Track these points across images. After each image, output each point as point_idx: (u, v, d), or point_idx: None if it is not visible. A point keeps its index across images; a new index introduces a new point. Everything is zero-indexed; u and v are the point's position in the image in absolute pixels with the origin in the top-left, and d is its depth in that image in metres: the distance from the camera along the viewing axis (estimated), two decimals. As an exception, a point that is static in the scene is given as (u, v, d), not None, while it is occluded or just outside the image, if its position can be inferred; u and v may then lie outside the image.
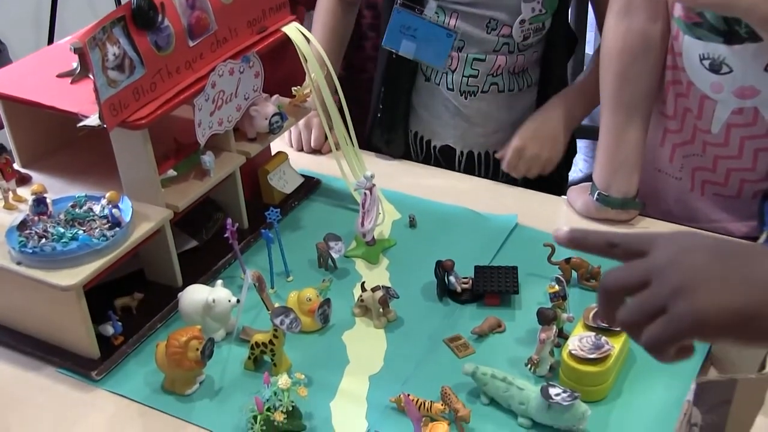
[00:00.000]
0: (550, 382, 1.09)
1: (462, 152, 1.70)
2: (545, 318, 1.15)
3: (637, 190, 1.45)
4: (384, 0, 1.65)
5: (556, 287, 1.21)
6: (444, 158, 1.71)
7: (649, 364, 1.18)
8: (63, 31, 3.07)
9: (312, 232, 1.46)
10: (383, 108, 1.68)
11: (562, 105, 1.62)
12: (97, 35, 1.13)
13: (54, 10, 3.06)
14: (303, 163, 1.63)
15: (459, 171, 1.70)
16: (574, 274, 1.32)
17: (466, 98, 1.64)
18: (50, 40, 3.09)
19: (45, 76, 1.31)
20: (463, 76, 1.61)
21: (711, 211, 1.48)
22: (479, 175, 1.69)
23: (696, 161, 1.46)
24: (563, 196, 1.56)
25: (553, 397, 1.06)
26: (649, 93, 1.42)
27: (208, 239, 1.42)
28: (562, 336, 1.20)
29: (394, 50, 1.58)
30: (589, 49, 3.19)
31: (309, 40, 1.43)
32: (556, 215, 1.51)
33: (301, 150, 1.70)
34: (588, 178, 1.56)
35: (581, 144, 3.53)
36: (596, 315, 1.17)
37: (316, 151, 1.70)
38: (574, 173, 3.40)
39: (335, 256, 1.37)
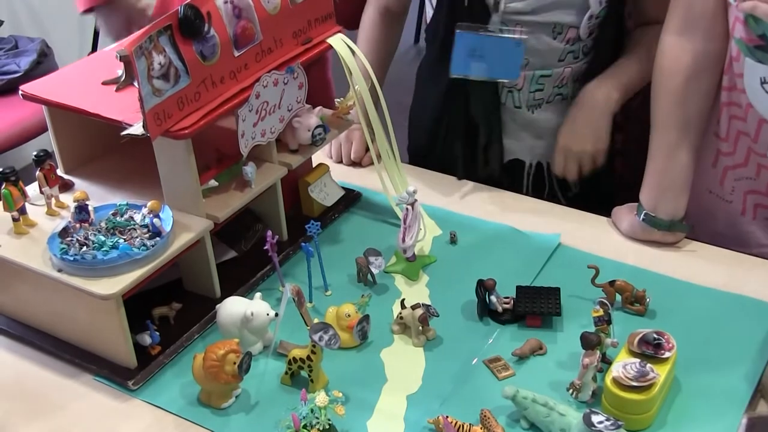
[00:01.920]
0: (593, 409, 1.07)
1: (531, 164, 1.67)
2: (589, 343, 1.12)
3: (684, 212, 1.42)
4: (429, 32, 1.63)
5: (601, 311, 1.18)
6: (511, 173, 1.67)
7: (695, 392, 1.15)
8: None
9: (351, 245, 1.44)
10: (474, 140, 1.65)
11: (595, 91, 1.56)
12: (144, 44, 1.13)
13: (98, 14, 3.08)
14: (344, 175, 1.62)
15: (528, 183, 1.68)
16: (618, 297, 1.29)
17: (532, 112, 1.61)
18: (94, 44, 3.12)
19: (90, 84, 1.32)
20: (529, 92, 1.59)
21: (762, 236, 1.45)
22: (548, 187, 1.67)
23: (749, 184, 1.42)
24: (607, 217, 1.53)
25: (596, 424, 1.03)
26: (703, 114, 1.39)
27: (246, 250, 1.41)
28: (606, 361, 1.17)
29: (464, 75, 1.53)
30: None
31: (354, 51, 1.42)
32: (600, 235, 1.48)
33: (340, 162, 1.69)
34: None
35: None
36: (641, 341, 1.14)
37: (355, 164, 1.69)
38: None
39: (375, 271, 1.35)
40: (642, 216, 1.43)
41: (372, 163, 1.63)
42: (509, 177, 1.67)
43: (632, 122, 1.67)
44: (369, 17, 1.72)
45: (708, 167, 1.45)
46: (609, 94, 1.55)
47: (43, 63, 2.83)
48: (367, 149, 1.62)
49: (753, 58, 1.27)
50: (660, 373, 1.10)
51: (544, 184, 1.68)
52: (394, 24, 1.73)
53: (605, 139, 1.56)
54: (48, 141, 1.40)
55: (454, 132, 1.64)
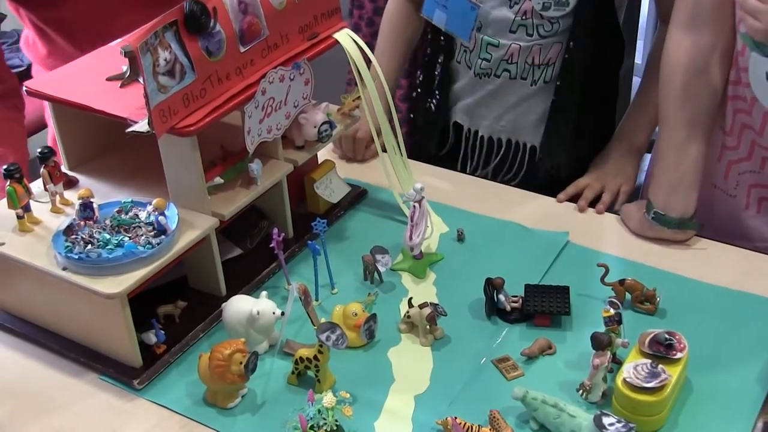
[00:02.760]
0: (604, 411, 1.05)
1: (469, 130, 1.70)
2: (599, 343, 1.11)
3: (695, 209, 1.41)
4: None
5: (611, 311, 1.16)
6: (455, 133, 1.70)
7: (707, 393, 1.14)
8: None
9: (357, 243, 1.43)
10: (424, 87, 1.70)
11: (625, 135, 1.62)
12: (149, 40, 1.11)
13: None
14: (349, 171, 1.61)
15: (466, 149, 1.71)
16: (628, 296, 1.28)
17: (480, 78, 1.63)
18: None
19: (95, 80, 1.30)
20: (478, 57, 1.61)
21: (765, 230, 1.43)
22: (491, 161, 1.70)
23: (753, 178, 1.41)
24: (616, 215, 1.51)
25: (607, 426, 1.02)
26: (712, 109, 1.38)
27: (252, 248, 1.39)
28: (616, 362, 1.16)
29: (429, 18, 1.58)
30: (638, 58, 3.12)
31: (360, 47, 1.41)
32: (609, 233, 1.47)
33: (344, 158, 1.67)
34: (634, 189, 1.52)
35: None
36: (653, 341, 1.13)
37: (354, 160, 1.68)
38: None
39: (382, 269, 1.34)
40: (651, 214, 1.41)
41: (375, 156, 1.63)
42: (455, 141, 1.71)
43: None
44: (392, 5, 1.72)
45: (713, 161, 1.44)
46: (636, 144, 1.61)
47: (46, 57, 2.82)
48: (372, 144, 1.62)
49: (759, 52, 1.26)
50: (672, 374, 1.09)
51: (482, 158, 1.71)
52: (417, 12, 1.72)
53: (632, 178, 1.61)
54: (40, 138, 1.39)
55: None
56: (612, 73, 1.68)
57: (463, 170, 1.71)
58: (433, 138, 1.73)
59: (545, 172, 1.65)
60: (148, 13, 1.48)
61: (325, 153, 1.62)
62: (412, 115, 1.83)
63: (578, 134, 1.62)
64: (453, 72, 1.68)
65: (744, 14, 1.23)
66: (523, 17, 1.54)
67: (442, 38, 1.65)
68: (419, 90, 1.74)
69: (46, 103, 1.36)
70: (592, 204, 1.54)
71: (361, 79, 1.41)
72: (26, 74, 2.65)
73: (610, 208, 1.55)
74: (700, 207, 1.43)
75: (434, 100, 1.70)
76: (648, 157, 1.70)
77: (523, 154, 1.67)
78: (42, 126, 2.65)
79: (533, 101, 1.62)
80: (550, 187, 1.59)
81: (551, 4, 1.52)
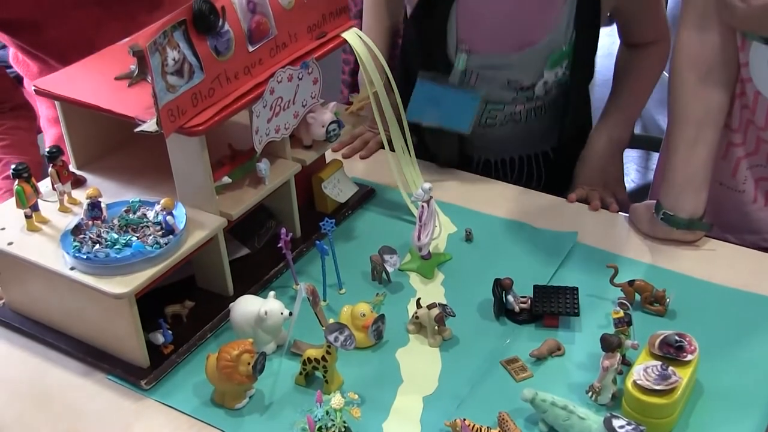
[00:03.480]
0: (614, 413, 1.05)
1: (480, 157, 1.72)
2: (609, 345, 1.10)
3: (704, 210, 1.40)
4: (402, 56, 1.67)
5: (621, 312, 1.16)
6: (462, 164, 1.70)
7: (718, 396, 1.13)
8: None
9: (365, 243, 1.43)
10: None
11: (602, 137, 1.63)
12: (158, 39, 1.11)
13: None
14: (357, 171, 1.60)
15: (477, 170, 1.72)
16: (638, 297, 1.27)
17: (484, 129, 1.65)
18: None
19: (102, 79, 1.30)
20: (482, 116, 1.63)
21: None
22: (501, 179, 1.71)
23: (760, 172, 1.41)
24: (625, 214, 1.51)
25: (617, 429, 1.01)
26: (722, 108, 1.37)
27: (259, 247, 1.39)
28: (626, 363, 1.15)
29: (418, 122, 1.56)
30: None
31: (369, 46, 1.40)
32: (618, 234, 1.46)
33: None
34: (640, 189, 1.51)
35: (634, 154, 3.47)
36: (663, 343, 1.12)
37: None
38: (626, 184, 3.34)
39: (390, 269, 1.33)
40: (660, 215, 1.40)
41: (379, 149, 1.64)
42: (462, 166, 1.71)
43: None
44: None
45: (719, 160, 1.43)
46: (611, 138, 1.63)
47: (53, 55, 2.81)
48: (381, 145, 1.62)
49: (761, 41, 1.25)
50: (682, 376, 1.08)
51: (490, 175, 1.72)
52: None
53: (619, 180, 1.65)
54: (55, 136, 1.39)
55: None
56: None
57: None
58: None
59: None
60: (135, 21, 1.48)
61: (332, 153, 1.62)
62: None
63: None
64: None
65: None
66: (524, 90, 1.58)
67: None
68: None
69: (41, 109, 1.36)
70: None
71: (370, 79, 1.41)
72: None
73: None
74: (708, 205, 1.42)
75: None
76: (656, 156, 1.70)
77: (537, 161, 1.70)
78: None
79: (538, 126, 1.67)
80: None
81: (552, 88, 1.59)
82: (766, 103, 1.32)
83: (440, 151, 1.64)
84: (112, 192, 1.31)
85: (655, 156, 3.19)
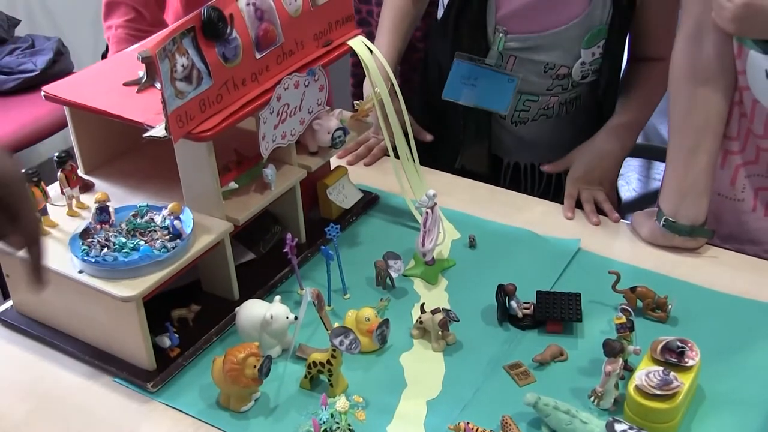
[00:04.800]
0: (616, 417, 1.06)
1: (509, 163, 1.73)
2: (612, 350, 1.12)
3: (706, 216, 1.41)
4: (437, 45, 1.67)
5: (623, 318, 1.17)
6: (492, 168, 1.72)
7: (719, 401, 1.14)
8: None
9: (369, 248, 1.44)
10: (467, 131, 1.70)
11: (606, 143, 1.63)
12: (167, 46, 1.12)
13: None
14: (362, 177, 1.61)
15: (505, 180, 1.75)
16: (640, 303, 1.29)
17: (516, 126, 1.67)
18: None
19: (111, 85, 1.31)
20: (515, 110, 1.64)
21: None
22: (525, 187, 1.74)
23: (760, 181, 1.42)
24: (627, 222, 1.52)
25: (619, 433, 1.03)
26: (721, 116, 1.38)
27: (265, 252, 1.40)
28: (628, 369, 1.16)
29: (454, 101, 1.59)
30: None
31: (373, 53, 1.42)
32: (620, 241, 1.47)
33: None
34: (642, 197, 1.52)
35: (635, 162, 3.49)
36: (665, 348, 1.13)
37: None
38: (628, 192, 3.36)
39: (394, 275, 1.35)
40: (662, 222, 1.42)
41: (383, 155, 1.66)
42: (491, 172, 1.73)
43: None
44: None
45: (717, 170, 1.44)
46: (622, 143, 1.63)
47: (59, 62, 2.84)
48: (386, 153, 1.63)
49: (758, 50, 1.27)
50: (684, 381, 1.09)
51: (519, 180, 1.75)
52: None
53: (614, 183, 1.68)
54: (62, 140, 1.40)
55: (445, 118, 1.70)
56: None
57: None
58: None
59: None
60: None
61: (337, 159, 1.63)
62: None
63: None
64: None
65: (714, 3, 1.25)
66: (560, 79, 1.59)
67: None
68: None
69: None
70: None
71: (375, 86, 1.42)
72: (40, 78, 2.68)
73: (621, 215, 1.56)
74: (708, 216, 1.43)
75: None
76: (658, 165, 1.71)
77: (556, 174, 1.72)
78: (59, 127, 2.68)
79: (569, 126, 1.69)
80: None
81: (589, 72, 1.60)
82: (764, 111, 1.33)
83: (470, 154, 1.67)
84: (120, 197, 1.32)
85: (657, 165, 3.21)
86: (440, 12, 1.66)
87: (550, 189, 1.76)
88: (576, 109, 1.68)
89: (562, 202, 1.56)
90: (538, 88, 1.62)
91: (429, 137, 1.67)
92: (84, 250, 1.17)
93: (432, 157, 1.68)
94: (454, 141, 1.71)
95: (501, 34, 1.55)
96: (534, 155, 1.73)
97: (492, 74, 1.57)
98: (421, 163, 1.52)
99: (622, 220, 1.52)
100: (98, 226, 1.21)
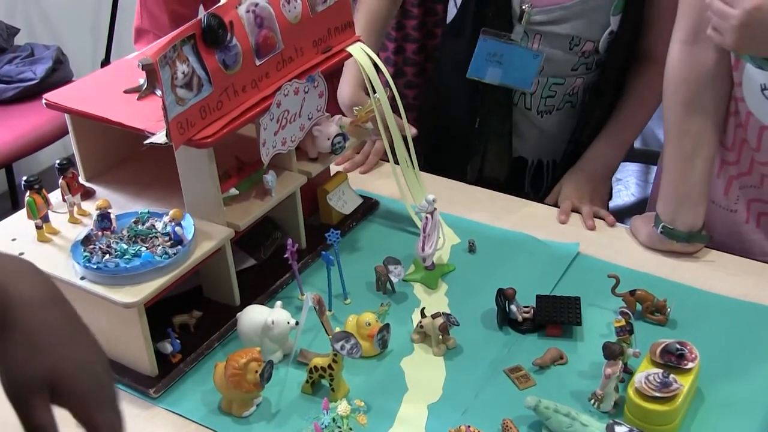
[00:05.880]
0: (616, 420, 1.07)
1: (533, 161, 1.74)
2: (611, 353, 1.12)
3: (703, 222, 1.42)
4: (456, 23, 1.67)
5: (623, 321, 1.17)
6: (514, 171, 1.72)
7: (718, 403, 1.15)
8: (120, 41, 3.11)
9: (370, 254, 1.44)
10: (484, 139, 1.70)
11: (597, 159, 1.66)
12: (168, 53, 1.13)
13: (113, 22, 3.10)
14: (361, 183, 1.62)
15: (528, 180, 1.75)
16: (639, 306, 1.29)
17: (542, 116, 1.67)
18: (108, 52, 3.14)
19: (112, 92, 1.32)
20: (541, 97, 1.64)
21: (766, 244, 1.44)
22: (547, 183, 1.73)
23: (753, 193, 1.42)
24: (625, 225, 1.53)
25: (620, 435, 1.03)
26: (717, 123, 1.38)
27: (265, 258, 1.41)
28: (627, 371, 1.17)
29: (479, 79, 1.58)
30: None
31: (374, 60, 1.43)
32: (619, 244, 1.48)
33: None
34: (640, 202, 1.52)
35: (633, 167, 3.50)
36: (664, 351, 1.14)
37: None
38: (627, 197, 3.37)
39: (394, 280, 1.35)
40: (660, 228, 1.42)
41: (377, 161, 1.67)
42: (512, 175, 1.73)
43: None
44: None
45: (712, 178, 1.44)
46: (608, 161, 1.68)
47: (59, 70, 2.85)
48: (384, 158, 1.64)
49: (754, 64, 1.27)
50: (683, 383, 1.10)
51: (542, 181, 1.75)
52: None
53: (605, 200, 1.70)
54: (62, 148, 1.40)
55: (466, 126, 1.69)
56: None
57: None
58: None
59: None
60: None
61: (335, 166, 1.64)
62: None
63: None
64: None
65: (710, 15, 1.23)
66: (585, 56, 1.59)
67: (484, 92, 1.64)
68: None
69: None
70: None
71: (374, 92, 1.43)
72: (39, 87, 2.68)
73: (620, 219, 1.56)
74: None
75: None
76: (654, 169, 1.72)
77: (549, 172, 1.75)
78: (59, 135, 2.69)
79: (590, 120, 1.69)
80: None
81: (613, 47, 1.59)
82: (758, 124, 1.33)
83: (492, 157, 1.68)
84: (121, 203, 1.33)
85: (655, 169, 3.22)
86: (449, 17, 1.67)
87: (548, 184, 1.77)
88: (597, 94, 1.66)
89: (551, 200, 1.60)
90: (563, 69, 1.60)
91: (413, 131, 1.67)
92: (86, 256, 1.18)
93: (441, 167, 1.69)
94: (471, 150, 1.71)
95: (527, 6, 1.53)
96: (556, 150, 1.73)
97: (517, 50, 1.56)
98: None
99: (620, 224, 1.53)
100: (100, 233, 1.22)
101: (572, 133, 1.72)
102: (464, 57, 1.61)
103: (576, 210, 1.56)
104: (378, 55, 1.70)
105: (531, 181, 1.78)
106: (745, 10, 1.16)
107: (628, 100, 1.68)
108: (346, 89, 1.65)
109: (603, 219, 1.53)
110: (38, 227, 1.25)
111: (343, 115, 1.56)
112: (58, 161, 1.29)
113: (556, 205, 1.59)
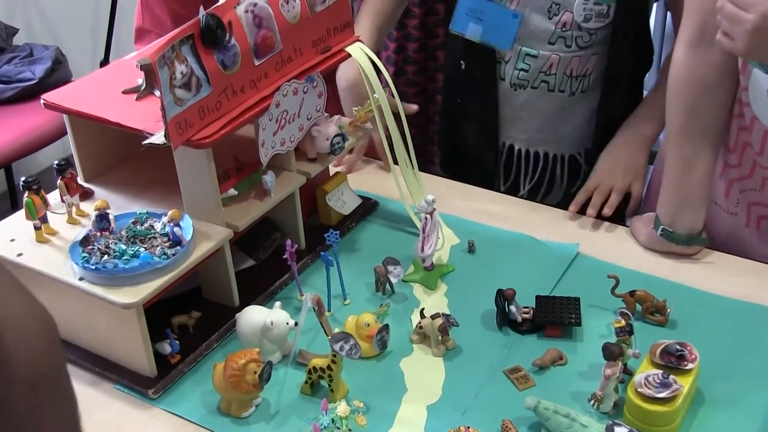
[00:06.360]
0: (615, 421, 1.06)
1: (503, 143, 1.70)
2: (611, 354, 1.12)
3: (703, 225, 1.41)
4: None
5: (622, 322, 1.17)
6: (487, 148, 1.69)
7: (718, 404, 1.15)
8: (119, 42, 3.11)
9: (369, 254, 1.44)
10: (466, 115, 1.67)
11: (630, 131, 1.60)
12: (167, 53, 1.13)
13: (112, 22, 3.10)
14: (361, 183, 1.62)
15: (498, 164, 1.71)
16: (639, 307, 1.29)
17: (515, 89, 1.63)
18: (107, 52, 3.13)
19: (110, 93, 1.32)
20: (515, 68, 1.61)
21: (764, 247, 1.44)
22: (522, 175, 1.70)
23: (753, 196, 1.41)
24: (625, 226, 1.52)
25: (619, 436, 1.03)
26: (720, 126, 1.37)
27: (264, 259, 1.41)
28: (627, 372, 1.17)
29: (460, 34, 1.58)
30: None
31: (373, 60, 1.42)
32: (618, 245, 1.47)
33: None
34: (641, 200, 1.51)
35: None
36: (664, 352, 1.14)
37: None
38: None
39: (394, 280, 1.35)
40: (659, 231, 1.41)
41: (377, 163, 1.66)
42: (507, 167, 1.70)
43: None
44: None
45: (715, 179, 1.44)
46: (644, 131, 1.60)
47: (58, 70, 2.84)
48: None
49: (762, 69, 1.26)
50: (683, 384, 1.09)
51: (512, 169, 1.71)
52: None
53: (641, 172, 1.59)
54: (61, 148, 1.40)
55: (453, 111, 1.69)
56: (641, 78, 1.71)
57: (497, 189, 1.70)
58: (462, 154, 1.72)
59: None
60: None
61: (333, 167, 1.64)
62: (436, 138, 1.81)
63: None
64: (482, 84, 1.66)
65: (720, 19, 1.20)
66: (563, 29, 1.55)
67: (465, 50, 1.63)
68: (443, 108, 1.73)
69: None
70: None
71: (373, 92, 1.43)
72: (38, 87, 2.68)
73: (620, 219, 1.56)
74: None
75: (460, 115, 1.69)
76: (650, 168, 1.69)
77: (562, 166, 1.68)
78: (58, 136, 2.68)
79: (571, 111, 1.64)
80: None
81: (592, 15, 1.54)
82: (762, 128, 1.32)
83: (463, 130, 1.64)
84: (119, 204, 1.32)
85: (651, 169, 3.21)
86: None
87: (544, 181, 1.72)
88: (582, 91, 1.62)
89: (553, 200, 1.56)
90: (539, 39, 1.56)
91: (414, 107, 1.65)
92: (84, 257, 1.18)
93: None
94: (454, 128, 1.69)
95: None
96: (531, 140, 1.68)
97: (497, 8, 1.56)
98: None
99: (620, 225, 1.52)
100: (98, 234, 1.22)
101: (549, 120, 1.65)
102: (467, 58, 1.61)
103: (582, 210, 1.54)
104: (379, 54, 1.70)
105: (528, 173, 1.72)
106: (761, 13, 1.13)
107: (661, 83, 1.59)
108: (349, 71, 1.61)
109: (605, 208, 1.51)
110: (37, 228, 1.24)
111: (343, 114, 1.56)
112: (56, 162, 1.29)
113: (557, 206, 1.59)
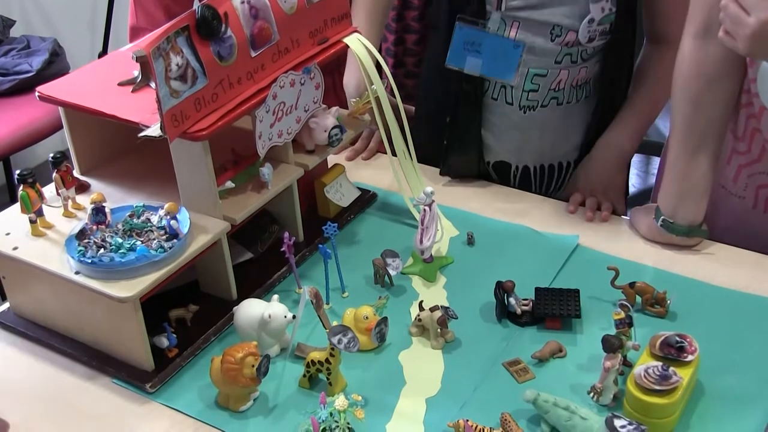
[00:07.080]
0: (615, 413, 1.06)
1: (517, 167, 1.66)
2: (611, 346, 1.11)
3: (704, 217, 1.40)
4: (432, 16, 1.63)
5: (622, 314, 1.17)
6: (498, 174, 1.67)
7: (718, 396, 1.14)
8: (118, 34, 3.10)
9: (367, 246, 1.43)
10: (453, 134, 1.63)
11: (609, 146, 1.61)
12: (162, 45, 1.12)
13: (110, 14, 3.09)
14: (359, 175, 1.61)
15: (514, 186, 1.66)
16: (638, 299, 1.28)
17: (525, 112, 1.59)
18: (105, 44, 3.12)
19: (106, 85, 1.31)
20: (523, 90, 1.57)
21: None
22: (534, 190, 1.67)
23: (761, 179, 1.41)
24: (625, 217, 1.52)
25: (619, 429, 1.02)
26: (724, 119, 1.36)
27: (262, 252, 1.40)
28: (627, 364, 1.16)
29: (458, 69, 1.54)
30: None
31: (370, 51, 1.41)
32: (618, 237, 1.47)
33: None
34: (641, 193, 1.51)
35: (634, 158, 3.47)
36: (664, 344, 1.13)
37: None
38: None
39: (392, 273, 1.34)
40: (660, 221, 1.41)
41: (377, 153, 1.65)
42: (496, 180, 1.67)
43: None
44: None
45: (722, 165, 1.43)
46: (622, 148, 1.61)
47: (55, 63, 2.84)
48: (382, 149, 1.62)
49: None
50: (683, 376, 1.09)
51: (531, 189, 1.67)
52: None
53: (622, 191, 1.63)
54: (60, 140, 1.39)
55: (437, 120, 1.64)
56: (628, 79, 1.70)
57: None
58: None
59: None
60: None
61: (334, 157, 1.63)
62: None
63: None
64: (486, 110, 1.61)
65: (723, 17, 1.19)
66: (567, 46, 1.52)
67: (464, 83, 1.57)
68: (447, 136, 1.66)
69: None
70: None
71: (371, 83, 1.42)
72: (35, 79, 2.67)
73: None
74: (708, 207, 1.43)
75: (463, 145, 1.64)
76: (657, 160, 1.69)
77: (563, 174, 1.67)
78: (55, 129, 2.68)
79: (573, 120, 1.63)
80: None
81: (596, 35, 1.52)
82: None
83: (460, 155, 1.62)
84: (116, 197, 1.32)
85: (656, 160, 3.21)
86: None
87: (551, 189, 1.71)
88: (586, 96, 1.61)
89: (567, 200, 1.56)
90: (545, 61, 1.53)
91: (413, 108, 1.62)
92: (80, 251, 1.17)
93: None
94: (445, 146, 1.64)
95: None
96: (542, 155, 1.65)
97: (496, 39, 1.50)
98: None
99: (621, 216, 1.52)
100: (94, 227, 1.21)
101: (567, 135, 1.65)
102: (442, 49, 1.55)
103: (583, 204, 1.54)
104: (378, 46, 1.69)
105: (518, 186, 1.68)
106: (760, 20, 1.13)
107: (642, 85, 1.62)
108: (352, 80, 1.63)
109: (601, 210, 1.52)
110: (32, 221, 1.24)
111: (341, 106, 1.55)
112: (51, 155, 1.28)
113: (567, 199, 1.57)
